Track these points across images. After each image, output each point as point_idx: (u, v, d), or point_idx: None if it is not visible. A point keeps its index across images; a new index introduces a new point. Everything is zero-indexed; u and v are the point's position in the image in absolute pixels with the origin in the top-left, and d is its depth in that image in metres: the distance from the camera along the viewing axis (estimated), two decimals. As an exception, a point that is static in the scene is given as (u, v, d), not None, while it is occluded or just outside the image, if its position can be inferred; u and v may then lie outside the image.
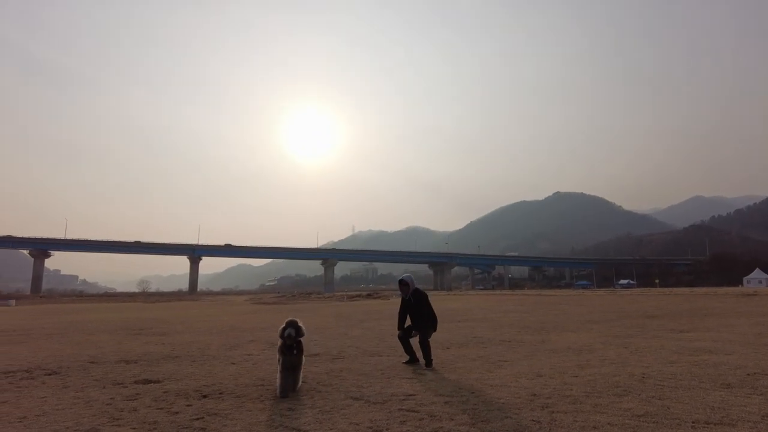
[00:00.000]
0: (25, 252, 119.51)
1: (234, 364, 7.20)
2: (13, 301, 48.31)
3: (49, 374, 6.47)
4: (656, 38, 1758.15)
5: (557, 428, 3.69)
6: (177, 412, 4.40)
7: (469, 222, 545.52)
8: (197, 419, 4.16)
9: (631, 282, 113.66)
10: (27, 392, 5.37)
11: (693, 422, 3.77)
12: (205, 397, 5.02)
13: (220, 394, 5.15)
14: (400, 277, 7.15)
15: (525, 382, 5.38)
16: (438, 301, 30.89)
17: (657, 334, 9.76)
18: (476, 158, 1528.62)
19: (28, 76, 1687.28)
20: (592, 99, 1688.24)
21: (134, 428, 3.93)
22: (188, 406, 4.64)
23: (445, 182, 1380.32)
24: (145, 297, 77.54)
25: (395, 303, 28.62)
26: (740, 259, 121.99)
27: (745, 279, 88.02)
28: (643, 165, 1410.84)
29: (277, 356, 5.32)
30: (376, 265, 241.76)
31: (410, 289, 6.96)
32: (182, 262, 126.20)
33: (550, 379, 5.51)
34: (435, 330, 7.01)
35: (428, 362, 6.62)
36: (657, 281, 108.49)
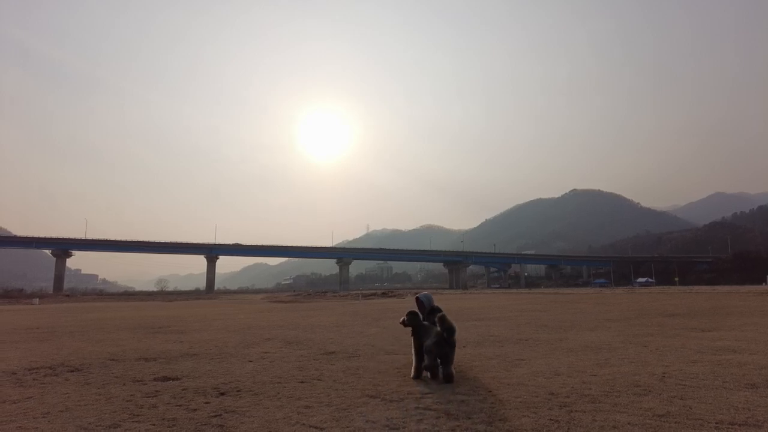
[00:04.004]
0: (48, 252, 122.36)
1: (251, 361, 7.26)
2: (37, 300, 49.59)
3: (72, 371, 6.61)
4: (667, 29, 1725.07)
5: (576, 427, 3.64)
6: (195, 409, 4.45)
7: (484, 220, 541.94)
8: (215, 416, 4.21)
9: (650, 280, 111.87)
10: (51, 388, 5.49)
11: (716, 423, 3.68)
12: (222, 394, 5.07)
13: (238, 391, 5.19)
14: (417, 296, 6.97)
15: (543, 381, 5.32)
16: (454, 300, 30.89)
17: (677, 333, 9.55)
18: (490, 156, 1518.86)
19: (52, 82, 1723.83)
20: (605, 94, 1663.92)
21: (154, 424, 3.99)
22: (206, 403, 4.69)
23: (459, 181, 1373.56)
24: (164, 296, 78.89)
25: (410, 302, 28.55)
26: (764, 257, 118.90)
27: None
28: (660, 162, 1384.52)
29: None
30: (391, 263, 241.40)
31: (426, 309, 6.85)
32: (199, 262, 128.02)
33: (569, 378, 5.44)
34: None
35: None
36: (676, 279, 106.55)
